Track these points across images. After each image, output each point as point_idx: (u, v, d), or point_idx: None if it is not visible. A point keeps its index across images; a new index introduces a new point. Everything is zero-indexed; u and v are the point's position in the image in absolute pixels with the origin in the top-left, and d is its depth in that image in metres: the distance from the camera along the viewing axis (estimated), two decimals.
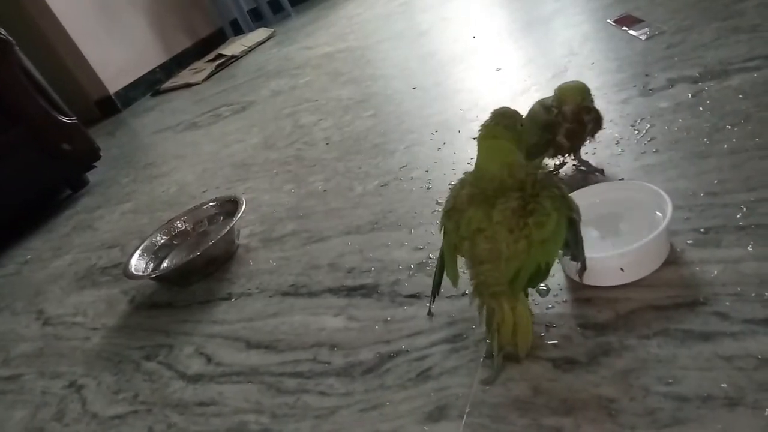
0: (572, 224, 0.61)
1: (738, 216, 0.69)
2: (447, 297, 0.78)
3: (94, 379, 1.01)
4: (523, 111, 1.17)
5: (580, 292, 0.69)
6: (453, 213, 0.65)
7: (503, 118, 0.64)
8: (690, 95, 0.97)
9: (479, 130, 0.65)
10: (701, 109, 0.92)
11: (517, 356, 0.63)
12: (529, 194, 0.60)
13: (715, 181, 0.76)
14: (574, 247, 0.62)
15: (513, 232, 0.59)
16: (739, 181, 0.74)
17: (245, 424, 0.75)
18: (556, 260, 0.65)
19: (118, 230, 1.64)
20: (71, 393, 1.01)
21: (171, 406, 0.85)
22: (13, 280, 1.67)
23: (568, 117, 0.82)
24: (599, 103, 1.06)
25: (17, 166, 1.95)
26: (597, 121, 0.85)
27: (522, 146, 0.64)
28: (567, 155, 0.89)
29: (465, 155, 1.13)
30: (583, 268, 0.63)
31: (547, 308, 0.70)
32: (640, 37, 1.25)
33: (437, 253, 0.84)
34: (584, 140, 0.87)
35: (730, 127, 0.85)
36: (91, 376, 1.03)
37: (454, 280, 0.67)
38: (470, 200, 0.63)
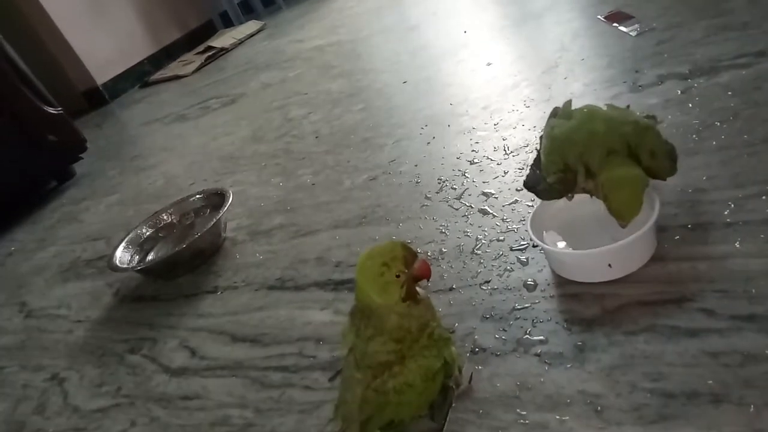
0: (445, 391, 0.58)
1: (726, 212, 0.69)
2: (434, 291, 0.78)
3: (76, 372, 1.00)
4: (517, 106, 1.18)
5: (566, 287, 0.69)
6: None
7: (378, 258, 0.55)
8: (679, 92, 0.97)
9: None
10: (690, 105, 0.92)
11: None
12: (408, 343, 0.55)
13: (704, 178, 0.76)
14: (438, 411, 0.58)
15: (373, 381, 0.55)
16: (727, 178, 0.74)
17: (229, 418, 0.74)
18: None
19: (103, 222, 1.62)
20: (53, 386, 0.99)
21: (154, 399, 0.84)
22: None
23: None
24: (589, 99, 1.06)
25: (2, 157, 1.91)
26: None
27: (388, 296, 0.55)
28: None
29: (454, 150, 1.12)
30: (438, 431, 0.59)
31: (534, 303, 0.69)
32: (631, 33, 1.24)
33: (425, 248, 0.83)
34: None
35: (718, 123, 0.85)
36: (73, 369, 1.01)
37: None
38: (352, 319, 0.59)
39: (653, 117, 0.72)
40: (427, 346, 0.56)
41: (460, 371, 0.61)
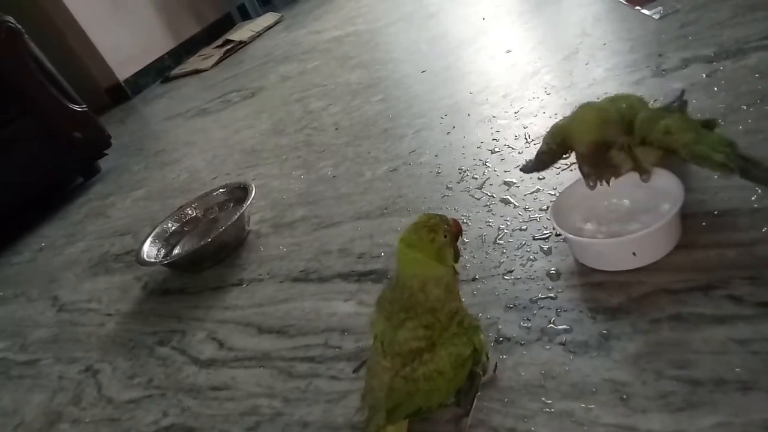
0: (472, 377, 0.58)
1: (753, 198, 0.68)
2: (462, 280, 0.78)
3: (109, 364, 1.03)
4: (538, 93, 1.17)
5: (590, 276, 0.69)
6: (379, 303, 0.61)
7: (423, 228, 0.57)
8: (704, 75, 0.95)
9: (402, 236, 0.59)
10: (716, 89, 0.90)
11: None
12: (437, 331, 0.56)
13: None
14: (463, 396, 0.59)
15: (402, 369, 0.55)
16: None
17: (258, 407, 0.76)
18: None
19: (130, 217, 1.65)
20: (87, 378, 1.02)
21: (184, 390, 0.86)
22: (29, 267, 1.69)
23: (582, 158, 0.68)
24: (611, 85, 1.05)
25: (29, 155, 1.96)
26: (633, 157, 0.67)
27: (444, 260, 0.57)
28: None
29: (475, 139, 1.12)
30: (465, 415, 0.60)
31: (558, 292, 0.69)
32: (654, 16, 1.22)
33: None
34: (619, 174, 0.69)
35: (745, 107, 0.83)
36: (106, 361, 1.04)
37: None
38: (380, 306, 0.60)
39: (713, 120, 0.67)
40: (457, 333, 0.56)
41: (487, 358, 0.61)
